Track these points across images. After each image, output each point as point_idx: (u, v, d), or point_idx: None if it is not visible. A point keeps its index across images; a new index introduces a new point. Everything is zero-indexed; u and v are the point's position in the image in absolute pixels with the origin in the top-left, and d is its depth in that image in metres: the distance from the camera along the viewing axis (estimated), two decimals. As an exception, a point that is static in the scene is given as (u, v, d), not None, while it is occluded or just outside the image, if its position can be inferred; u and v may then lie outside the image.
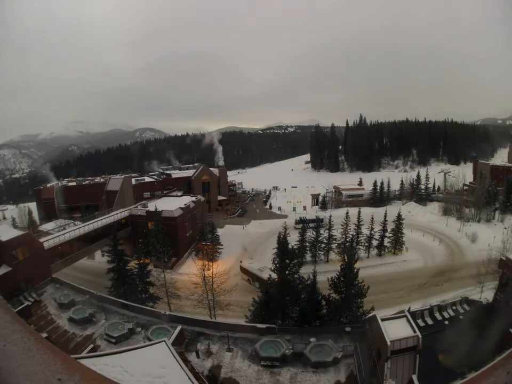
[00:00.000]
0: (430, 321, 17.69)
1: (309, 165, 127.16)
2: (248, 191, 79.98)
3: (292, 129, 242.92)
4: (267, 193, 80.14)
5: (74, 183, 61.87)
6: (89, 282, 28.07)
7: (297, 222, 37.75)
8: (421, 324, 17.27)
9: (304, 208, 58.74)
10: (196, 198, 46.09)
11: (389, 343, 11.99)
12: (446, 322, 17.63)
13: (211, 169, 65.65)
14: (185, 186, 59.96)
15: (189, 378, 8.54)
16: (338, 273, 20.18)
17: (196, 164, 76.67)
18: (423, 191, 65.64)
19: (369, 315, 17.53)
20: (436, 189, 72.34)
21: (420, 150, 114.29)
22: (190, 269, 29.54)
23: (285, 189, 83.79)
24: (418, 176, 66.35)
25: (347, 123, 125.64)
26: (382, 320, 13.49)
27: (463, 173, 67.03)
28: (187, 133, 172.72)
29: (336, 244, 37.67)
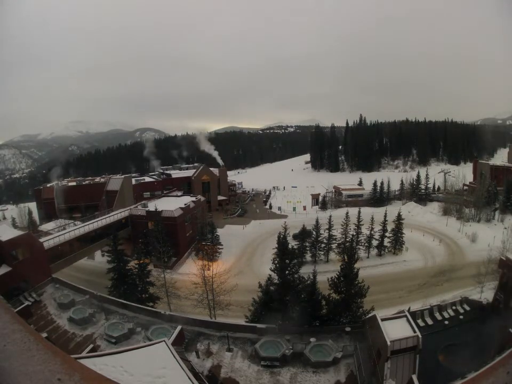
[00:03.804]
0: (430, 321, 17.67)
1: (309, 165, 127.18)
2: (248, 191, 80.00)
3: (292, 129, 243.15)
4: (267, 193, 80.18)
5: (74, 183, 61.85)
6: (89, 282, 28.07)
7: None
8: (421, 324, 17.25)
9: (304, 208, 58.74)
10: (196, 198, 46.10)
11: (389, 343, 11.99)
12: (446, 322, 17.62)
13: (211, 169, 65.68)
14: (185, 186, 59.98)
15: (189, 378, 8.54)
16: (338, 273, 20.16)
17: (196, 164, 76.66)
18: (423, 191, 65.58)
19: (369, 315, 17.52)
20: (436, 189, 72.33)
21: (420, 150, 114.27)
22: (190, 269, 29.51)
23: (284, 187, 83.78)
24: (418, 176, 66.30)
25: (347, 123, 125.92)
26: (382, 320, 13.49)
27: (463, 173, 66.98)
28: (187, 133, 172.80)
29: (336, 244, 37.68)
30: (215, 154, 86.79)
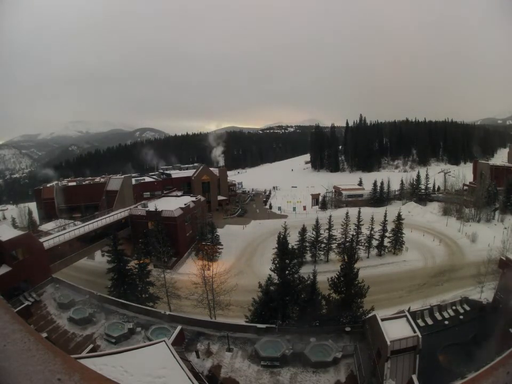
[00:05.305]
0: (430, 321, 17.68)
1: (309, 165, 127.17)
2: (248, 191, 79.99)
3: (292, 129, 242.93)
4: (267, 193, 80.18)
5: (74, 183, 61.87)
6: (89, 282, 28.07)
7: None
8: (421, 324, 17.26)
9: (304, 208, 58.75)
10: (196, 198, 46.10)
11: (388, 343, 11.99)
12: (446, 322, 17.62)
13: (211, 169, 65.66)
14: (185, 186, 59.98)
15: (189, 378, 8.54)
16: (338, 273, 20.18)
17: (196, 164, 76.68)
18: (423, 191, 65.63)
19: (369, 315, 17.53)
20: (436, 189, 72.34)
21: (420, 150, 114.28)
22: (190, 269, 29.52)
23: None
24: (418, 176, 66.36)
25: (347, 123, 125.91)
26: (382, 320, 13.49)
27: (463, 173, 67.02)
28: (187, 133, 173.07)
29: (336, 244, 37.69)
30: (220, 155, 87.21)
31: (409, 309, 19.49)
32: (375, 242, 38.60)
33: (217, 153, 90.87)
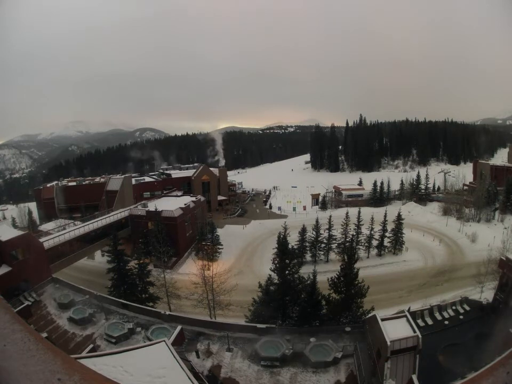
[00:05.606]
0: (430, 321, 17.67)
1: (309, 165, 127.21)
2: (248, 191, 79.99)
3: (292, 129, 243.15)
4: (267, 193, 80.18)
5: (74, 183, 61.92)
6: (89, 282, 28.08)
7: None
8: (421, 324, 17.25)
9: (304, 208, 58.77)
10: (196, 198, 46.09)
11: (388, 343, 11.99)
12: (446, 322, 17.62)
13: (211, 169, 65.68)
14: (185, 186, 60.00)
15: (189, 378, 8.54)
16: (338, 273, 20.17)
17: (195, 164, 76.71)
18: (423, 191, 65.57)
19: (369, 315, 17.53)
20: (436, 189, 72.32)
21: (420, 150, 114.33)
22: (190, 269, 29.57)
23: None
24: (418, 176, 66.28)
25: (347, 123, 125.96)
26: (382, 320, 13.48)
27: (463, 173, 66.98)
28: (187, 133, 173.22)
29: (336, 244, 37.68)
30: (220, 155, 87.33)
31: (409, 309, 19.47)
32: (375, 242, 38.58)
33: (217, 153, 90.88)
